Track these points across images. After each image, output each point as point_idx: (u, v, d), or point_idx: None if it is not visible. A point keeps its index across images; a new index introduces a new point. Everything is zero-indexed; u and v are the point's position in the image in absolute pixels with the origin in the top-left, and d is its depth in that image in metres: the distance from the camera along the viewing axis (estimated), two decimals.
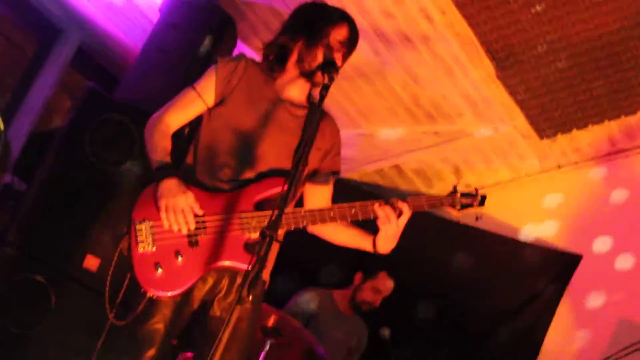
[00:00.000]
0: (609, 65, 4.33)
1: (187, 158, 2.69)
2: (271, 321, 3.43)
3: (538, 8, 3.92)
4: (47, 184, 3.83)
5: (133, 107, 3.86)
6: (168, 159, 2.51)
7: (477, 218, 2.62)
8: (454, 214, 2.60)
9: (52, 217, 3.78)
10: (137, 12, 4.88)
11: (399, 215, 2.51)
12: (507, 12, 3.97)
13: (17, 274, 3.61)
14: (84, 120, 3.80)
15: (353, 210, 2.56)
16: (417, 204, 2.57)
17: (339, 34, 2.56)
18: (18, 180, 4.63)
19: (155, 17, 4.32)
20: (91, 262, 3.65)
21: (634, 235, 4.96)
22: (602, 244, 5.05)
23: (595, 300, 4.94)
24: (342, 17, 2.61)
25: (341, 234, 2.75)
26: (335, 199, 2.77)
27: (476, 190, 2.58)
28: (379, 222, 2.53)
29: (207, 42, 4.14)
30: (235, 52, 4.31)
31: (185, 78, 3.68)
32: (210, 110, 2.61)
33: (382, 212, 2.51)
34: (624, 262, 4.97)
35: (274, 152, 2.60)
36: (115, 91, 4.35)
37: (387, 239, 2.57)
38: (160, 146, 2.57)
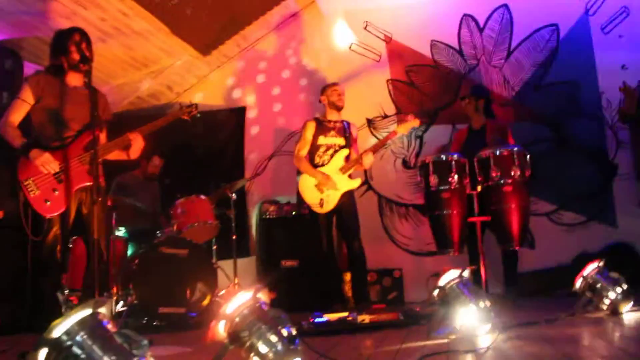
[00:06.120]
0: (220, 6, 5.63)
1: (32, 136, 3.25)
2: (110, 202, 4.55)
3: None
4: None
5: None
6: (23, 140, 3.14)
7: (198, 114, 3.67)
8: (185, 117, 3.65)
9: None
10: None
11: (139, 136, 3.35)
12: None
13: None
14: None
15: (121, 140, 3.35)
16: (147, 129, 3.37)
17: (75, 38, 3.25)
18: None
19: None
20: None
21: (261, 96, 6.68)
22: (245, 100, 6.66)
23: (255, 128, 6.67)
24: (73, 29, 3.33)
25: (114, 154, 3.48)
26: (118, 126, 3.48)
27: (191, 102, 3.68)
28: (131, 142, 3.34)
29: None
30: (26, 70, 4.98)
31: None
32: (33, 107, 3.26)
33: (132, 136, 3.37)
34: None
35: (78, 116, 3.24)
36: None
37: (135, 151, 3.43)
38: (15, 135, 3.18)
